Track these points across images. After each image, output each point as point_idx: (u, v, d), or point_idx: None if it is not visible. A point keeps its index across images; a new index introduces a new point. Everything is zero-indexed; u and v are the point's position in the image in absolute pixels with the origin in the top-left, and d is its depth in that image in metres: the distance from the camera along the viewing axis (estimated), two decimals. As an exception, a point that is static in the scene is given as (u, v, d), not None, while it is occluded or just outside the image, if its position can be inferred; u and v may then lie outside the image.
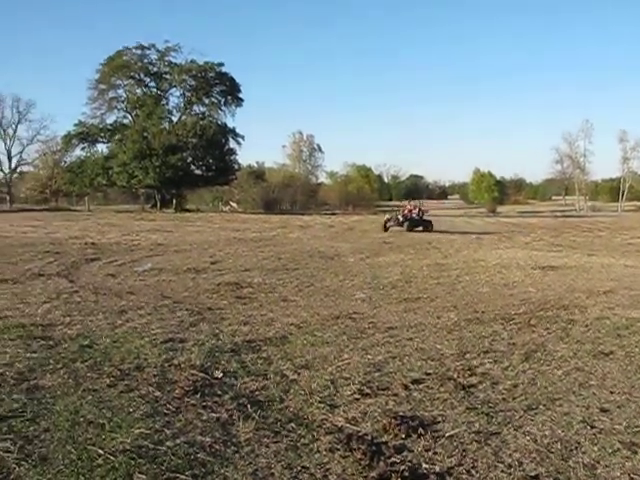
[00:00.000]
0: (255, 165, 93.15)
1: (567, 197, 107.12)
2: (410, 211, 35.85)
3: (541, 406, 5.83)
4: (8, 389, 6.12)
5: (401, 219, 34.33)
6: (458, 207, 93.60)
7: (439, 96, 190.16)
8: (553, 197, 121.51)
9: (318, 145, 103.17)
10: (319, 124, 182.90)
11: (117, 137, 68.38)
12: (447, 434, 5.13)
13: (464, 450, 4.82)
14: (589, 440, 5.05)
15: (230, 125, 71.69)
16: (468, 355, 7.60)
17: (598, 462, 4.65)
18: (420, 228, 34.35)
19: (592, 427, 5.34)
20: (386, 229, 33.63)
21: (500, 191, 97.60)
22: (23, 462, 4.52)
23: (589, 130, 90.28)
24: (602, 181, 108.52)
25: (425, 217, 36.28)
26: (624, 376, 6.80)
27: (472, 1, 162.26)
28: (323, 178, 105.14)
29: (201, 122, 68.51)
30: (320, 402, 5.91)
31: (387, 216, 36.01)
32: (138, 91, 71.07)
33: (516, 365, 7.16)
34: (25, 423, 5.27)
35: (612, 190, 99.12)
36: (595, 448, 4.90)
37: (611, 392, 6.27)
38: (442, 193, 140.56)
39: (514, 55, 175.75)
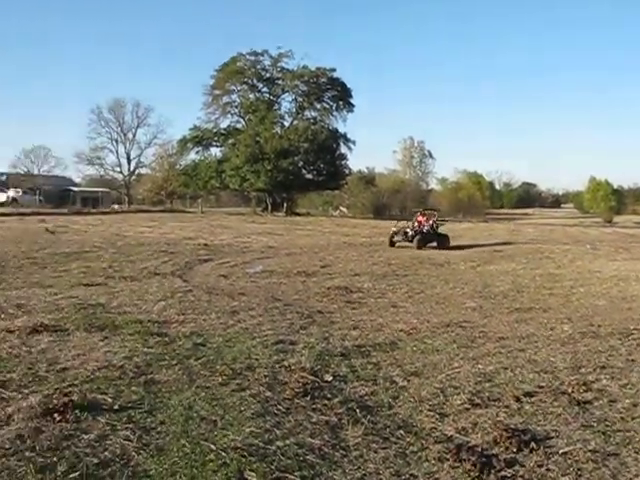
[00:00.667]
0: (365, 170, 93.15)
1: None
2: (421, 223, 28.51)
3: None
4: (127, 381, 6.38)
5: (410, 233, 27.30)
6: (572, 216, 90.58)
7: (552, 103, 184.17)
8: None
9: (429, 151, 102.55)
10: (430, 130, 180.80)
11: (230, 141, 69.97)
12: (561, 451, 4.96)
13: (579, 469, 4.65)
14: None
15: (341, 130, 72.14)
16: (583, 370, 7.34)
17: None
18: (434, 244, 27.35)
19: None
20: (392, 244, 27.26)
21: (617, 200, 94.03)
22: (142, 451, 4.72)
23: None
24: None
25: (440, 230, 28.91)
26: None
27: None
28: (433, 184, 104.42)
29: (312, 127, 69.17)
30: (429, 410, 5.86)
31: (394, 229, 28.36)
32: (251, 96, 72.51)
33: (635, 383, 6.84)
34: (143, 415, 5.49)
35: None
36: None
37: None
38: (555, 202, 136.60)
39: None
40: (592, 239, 35.17)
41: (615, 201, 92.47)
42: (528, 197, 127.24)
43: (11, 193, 68.24)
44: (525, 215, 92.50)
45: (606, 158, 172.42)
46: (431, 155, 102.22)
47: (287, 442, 5.00)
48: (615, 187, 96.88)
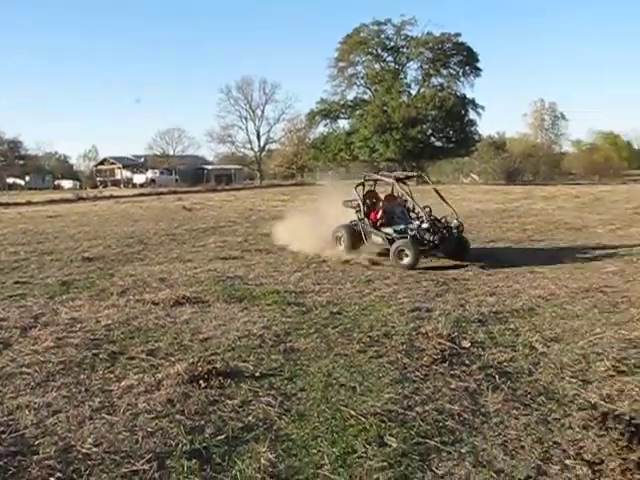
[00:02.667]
0: (495, 136, 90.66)
1: None
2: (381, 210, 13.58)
3: None
4: (267, 350, 6.59)
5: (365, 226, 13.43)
6: None
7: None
8: None
9: (561, 113, 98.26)
10: (563, 91, 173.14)
11: (358, 112, 69.96)
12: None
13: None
14: None
15: (469, 96, 70.47)
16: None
17: None
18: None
19: None
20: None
21: None
22: (283, 416, 4.88)
23: None
24: None
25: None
26: None
27: None
28: (567, 147, 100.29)
29: (440, 94, 68.01)
30: (571, 377, 5.70)
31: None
32: (376, 66, 72.00)
33: None
34: (284, 381, 5.66)
35: None
36: None
37: None
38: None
39: None
40: None
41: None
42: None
43: (149, 174, 71.53)
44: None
45: None
46: (564, 117, 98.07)
47: (426, 408, 5.01)
48: None
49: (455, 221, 12.58)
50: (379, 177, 14.54)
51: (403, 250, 11.85)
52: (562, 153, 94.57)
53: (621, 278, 10.39)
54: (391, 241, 12.46)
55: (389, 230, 12.85)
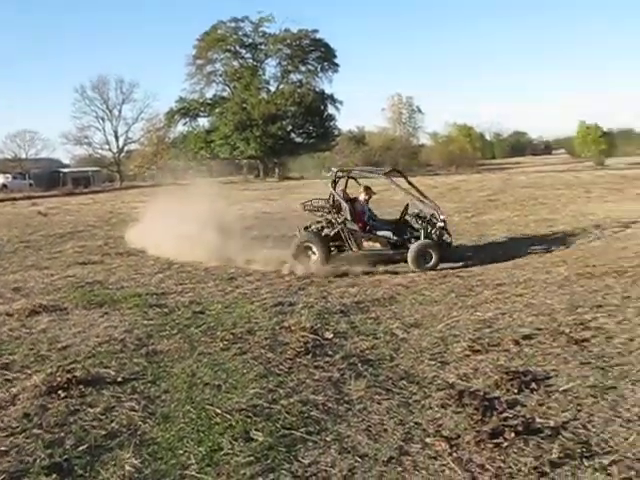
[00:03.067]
0: (355, 130, 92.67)
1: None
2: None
3: (659, 360, 5.65)
4: (129, 354, 6.45)
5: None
6: (564, 162, 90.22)
7: (537, 47, 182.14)
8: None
9: (417, 107, 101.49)
10: (418, 85, 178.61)
11: (217, 110, 69.62)
12: (561, 389, 5.06)
13: (579, 404, 4.75)
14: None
15: (328, 91, 71.69)
16: (580, 310, 7.43)
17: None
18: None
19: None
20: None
21: (608, 143, 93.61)
22: (148, 420, 4.80)
23: None
24: None
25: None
26: None
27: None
28: (424, 139, 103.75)
29: (299, 90, 68.79)
30: (430, 359, 5.94)
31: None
32: (235, 63, 71.88)
33: (631, 318, 6.94)
34: (147, 385, 5.56)
35: None
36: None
37: None
38: (546, 148, 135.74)
39: None
40: (585, 183, 35.14)
41: (606, 144, 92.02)
42: (519, 146, 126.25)
43: (0, 179, 67.94)
44: (517, 164, 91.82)
45: (595, 102, 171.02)
46: (420, 110, 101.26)
47: (291, 400, 5.07)
48: (605, 130, 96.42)
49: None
50: (363, 172, 13.59)
51: (428, 252, 10.86)
52: (420, 145, 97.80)
53: (476, 262, 10.90)
54: (395, 245, 11.44)
55: (386, 233, 11.62)
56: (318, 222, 11.88)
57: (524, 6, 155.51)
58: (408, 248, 11.01)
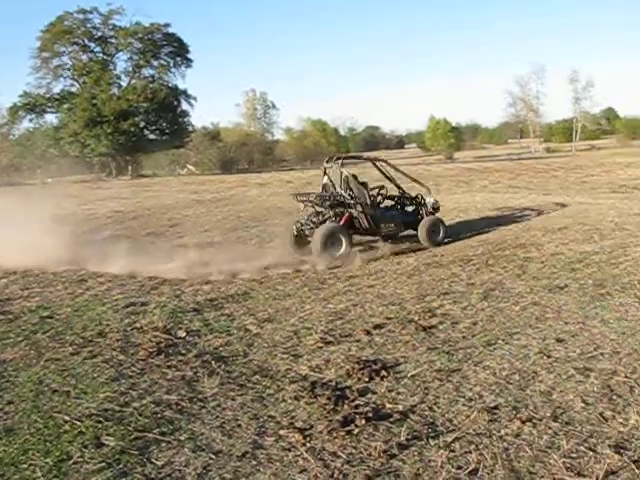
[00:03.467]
0: (210, 126, 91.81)
1: (522, 140, 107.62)
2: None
3: (500, 341, 6.01)
4: (-32, 366, 6.08)
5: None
6: (416, 155, 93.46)
7: (394, 43, 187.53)
8: (509, 140, 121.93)
9: (272, 102, 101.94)
10: (274, 81, 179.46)
11: (66, 106, 66.74)
12: (409, 374, 5.26)
13: (426, 388, 4.96)
14: (545, 369, 5.24)
15: (181, 87, 70.51)
16: (428, 298, 7.75)
17: (553, 388, 4.83)
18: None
19: (548, 357, 5.53)
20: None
21: (456, 137, 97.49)
22: (-13, 436, 4.52)
23: (541, 72, 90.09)
24: (556, 122, 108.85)
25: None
26: (578, 307, 7.01)
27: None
28: (279, 135, 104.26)
29: (151, 85, 67.13)
30: (284, 353, 6.00)
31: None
32: (84, 57, 69.09)
33: (475, 304, 7.33)
34: (-12, 398, 5.25)
35: (565, 131, 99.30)
36: (551, 376, 5.08)
37: (566, 323, 6.47)
38: (399, 142, 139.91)
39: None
40: (435, 176, 36.52)
41: (454, 138, 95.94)
42: (373, 140, 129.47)
43: None
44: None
45: (444, 97, 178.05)
46: (274, 106, 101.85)
47: (144, 402, 4.97)
48: (454, 125, 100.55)
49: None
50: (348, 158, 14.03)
51: (437, 226, 11.92)
52: (275, 141, 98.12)
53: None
54: (406, 224, 12.13)
55: (395, 213, 12.32)
56: (318, 214, 11.71)
57: None
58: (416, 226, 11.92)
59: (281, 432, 4.34)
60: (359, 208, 11.39)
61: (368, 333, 6.43)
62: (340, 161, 12.03)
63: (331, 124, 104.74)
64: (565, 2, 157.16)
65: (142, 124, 67.03)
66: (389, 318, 6.94)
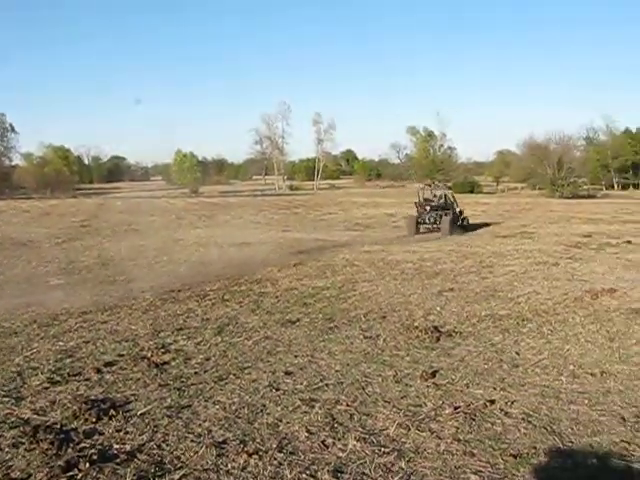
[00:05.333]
0: None
1: (267, 177, 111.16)
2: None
3: (231, 376, 6.12)
4: None
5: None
6: (161, 188, 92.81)
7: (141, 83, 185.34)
8: (254, 177, 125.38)
9: (11, 125, 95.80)
10: (15, 102, 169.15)
11: None
12: (139, 412, 5.17)
13: (155, 426, 4.90)
14: (273, 402, 5.42)
15: None
16: (162, 333, 7.71)
17: (280, 420, 5.02)
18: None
19: (277, 389, 5.73)
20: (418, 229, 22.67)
21: (202, 172, 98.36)
22: None
23: (287, 112, 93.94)
24: (299, 161, 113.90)
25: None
26: (308, 341, 7.37)
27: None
28: (18, 160, 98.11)
29: None
30: (5, 396, 5.60)
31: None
32: None
33: (209, 339, 7.43)
34: None
35: (308, 169, 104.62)
36: (278, 408, 5.27)
37: (295, 356, 6.76)
38: (145, 174, 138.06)
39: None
40: (178, 209, 36.51)
41: (200, 172, 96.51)
42: (118, 171, 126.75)
43: None
44: (116, 189, 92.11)
45: (191, 131, 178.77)
46: (13, 129, 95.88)
47: None
48: (200, 159, 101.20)
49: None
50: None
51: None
52: (12, 166, 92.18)
53: (64, 290, 10.69)
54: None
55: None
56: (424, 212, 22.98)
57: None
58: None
59: (-5, 485, 4.06)
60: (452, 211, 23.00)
61: (98, 371, 6.23)
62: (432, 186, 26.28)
63: (74, 152, 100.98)
64: (312, 53, 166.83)
65: None
66: (121, 355, 6.79)
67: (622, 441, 4.64)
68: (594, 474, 4.19)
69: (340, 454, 4.43)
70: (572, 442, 4.64)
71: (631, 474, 4.17)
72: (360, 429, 4.85)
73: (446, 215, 22.05)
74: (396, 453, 4.43)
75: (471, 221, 24.55)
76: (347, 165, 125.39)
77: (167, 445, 4.56)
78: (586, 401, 5.48)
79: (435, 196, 24.11)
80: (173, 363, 6.51)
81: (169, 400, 5.46)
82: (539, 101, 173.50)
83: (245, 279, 11.36)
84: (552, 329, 7.93)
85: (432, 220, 22.38)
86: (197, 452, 4.43)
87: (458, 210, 23.65)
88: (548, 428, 4.88)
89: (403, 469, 4.21)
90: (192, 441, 4.62)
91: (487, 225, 25.06)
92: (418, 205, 23.15)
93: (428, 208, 22.62)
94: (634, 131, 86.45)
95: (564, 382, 5.98)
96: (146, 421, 5.00)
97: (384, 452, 4.45)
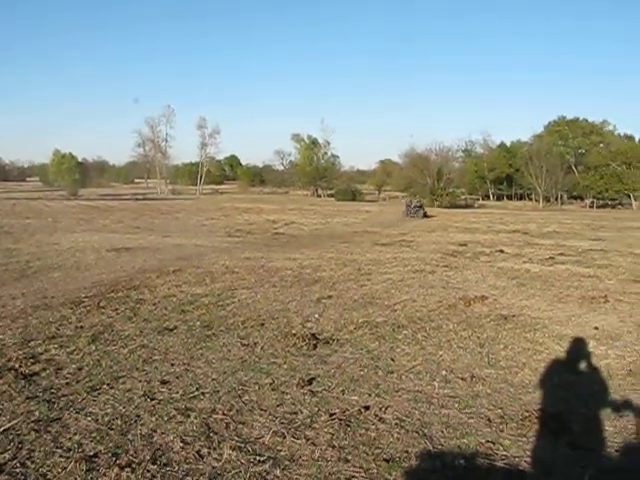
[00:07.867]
0: None
1: (149, 180, 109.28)
2: None
3: (105, 386, 5.94)
4: None
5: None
6: (37, 190, 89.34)
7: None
8: (136, 180, 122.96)
9: None
10: None
11: None
12: (2, 428, 4.90)
13: (20, 442, 4.66)
14: (148, 412, 5.31)
15: None
16: (33, 342, 7.36)
17: (155, 431, 4.92)
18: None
19: (152, 399, 5.62)
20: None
21: (82, 173, 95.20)
22: None
23: (171, 115, 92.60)
24: (183, 165, 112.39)
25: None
26: (185, 349, 7.26)
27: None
28: None
29: None
30: None
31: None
32: None
33: (82, 348, 7.17)
34: None
35: (192, 174, 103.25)
36: (153, 418, 5.17)
37: (172, 365, 6.65)
38: (21, 174, 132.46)
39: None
40: (55, 212, 35.24)
41: (80, 174, 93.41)
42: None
43: None
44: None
45: (70, 130, 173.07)
46: None
47: None
48: (80, 160, 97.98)
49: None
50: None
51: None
52: None
53: None
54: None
55: None
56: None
57: None
58: None
59: None
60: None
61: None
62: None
63: None
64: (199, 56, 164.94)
65: None
66: (-12, 370, 6.46)
67: (487, 441, 4.86)
68: (460, 474, 4.35)
69: (215, 464, 4.39)
70: (442, 445, 4.81)
71: (494, 472, 4.37)
72: (236, 438, 4.83)
73: None
74: (271, 461, 4.44)
75: (350, 229, 25.17)
76: (231, 170, 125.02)
77: (32, 462, 4.35)
78: (456, 405, 5.69)
79: None
80: (43, 374, 6.24)
81: (37, 413, 5.22)
82: (420, 112, 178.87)
83: (122, 285, 11.06)
84: (426, 335, 8.18)
85: None
86: (65, 468, 4.27)
87: None
88: (420, 432, 5.03)
89: (278, 477, 4.23)
90: (60, 456, 4.44)
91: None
92: None
93: None
94: (509, 145, 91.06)
95: (436, 387, 6.19)
96: (10, 437, 4.74)
97: (259, 461, 4.45)
